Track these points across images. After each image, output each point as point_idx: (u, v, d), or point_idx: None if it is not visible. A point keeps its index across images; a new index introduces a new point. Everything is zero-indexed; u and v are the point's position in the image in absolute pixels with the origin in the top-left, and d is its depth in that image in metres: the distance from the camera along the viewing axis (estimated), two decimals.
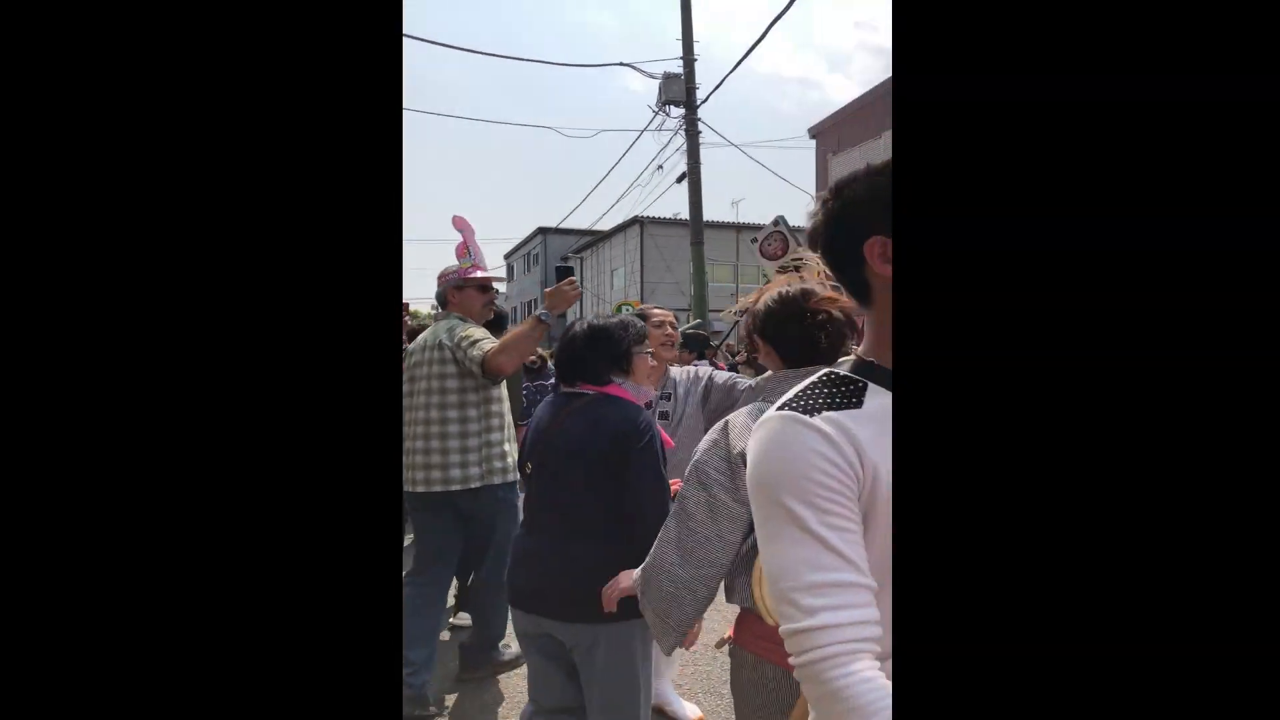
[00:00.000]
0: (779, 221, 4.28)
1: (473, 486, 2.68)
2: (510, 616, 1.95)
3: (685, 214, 13.00)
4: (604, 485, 1.74)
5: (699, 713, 2.74)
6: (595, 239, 25.42)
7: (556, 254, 27.48)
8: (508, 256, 36.41)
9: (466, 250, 2.91)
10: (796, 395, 0.84)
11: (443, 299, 2.89)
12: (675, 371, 2.69)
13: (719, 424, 1.44)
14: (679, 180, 12.34)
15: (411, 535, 3.40)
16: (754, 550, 1.32)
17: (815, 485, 0.76)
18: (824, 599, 0.74)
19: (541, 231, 27.87)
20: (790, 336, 1.46)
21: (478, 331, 2.69)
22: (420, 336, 2.82)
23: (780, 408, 0.83)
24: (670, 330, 2.63)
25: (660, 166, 14.44)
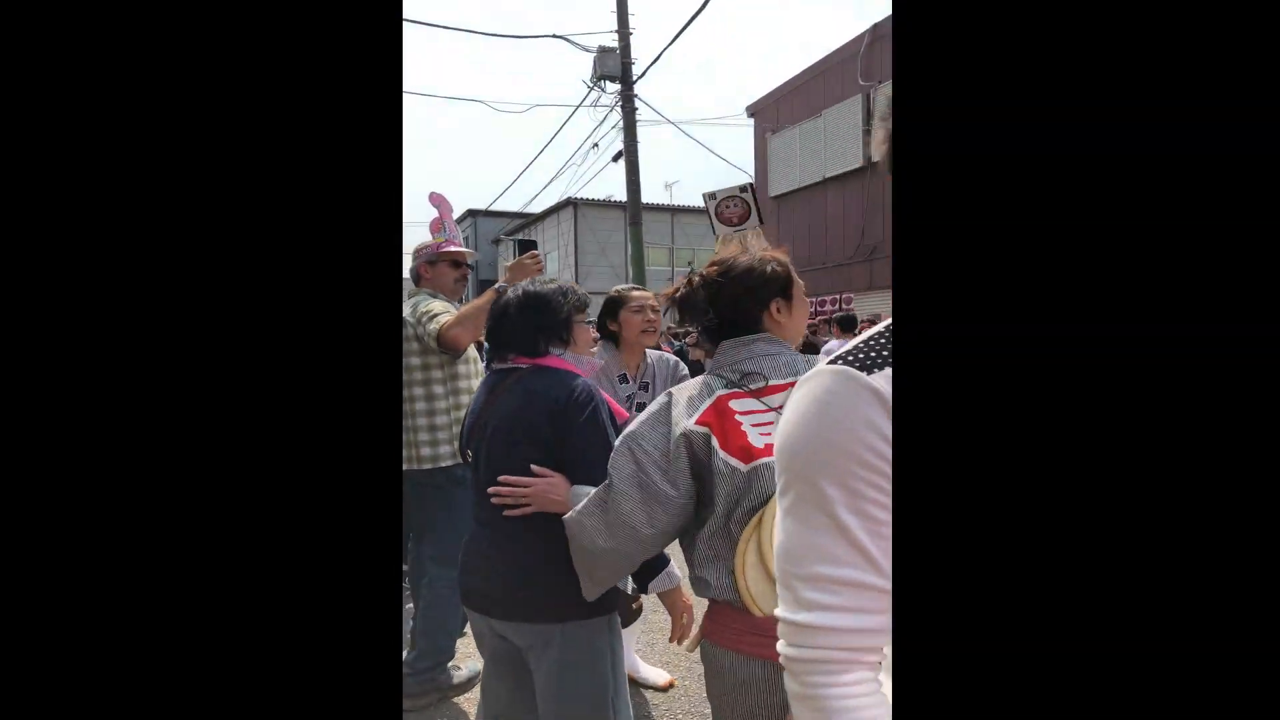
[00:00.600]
0: (747, 189, 3.98)
1: (443, 465, 2.64)
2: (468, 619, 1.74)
3: (619, 195, 12.77)
4: (543, 467, 1.55)
5: (668, 677, 2.67)
6: (527, 221, 24.96)
7: (487, 237, 26.89)
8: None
9: (442, 225, 2.92)
10: (857, 346, 0.72)
11: (415, 275, 2.85)
12: (652, 356, 2.53)
13: (662, 396, 1.35)
14: (615, 159, 12.04)
15: None
16: (729, 539, 1.23)
17: (854, 463, 0.66)
18: (828, 596, 0.67)
19: (471, 214, 27.21)
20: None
21: (436, 306, 2.63)
22: None
23: (834, 360, 0.71)
24: (652, 315, 2.49)
25: (595, 145, 14.12)
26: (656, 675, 2.71)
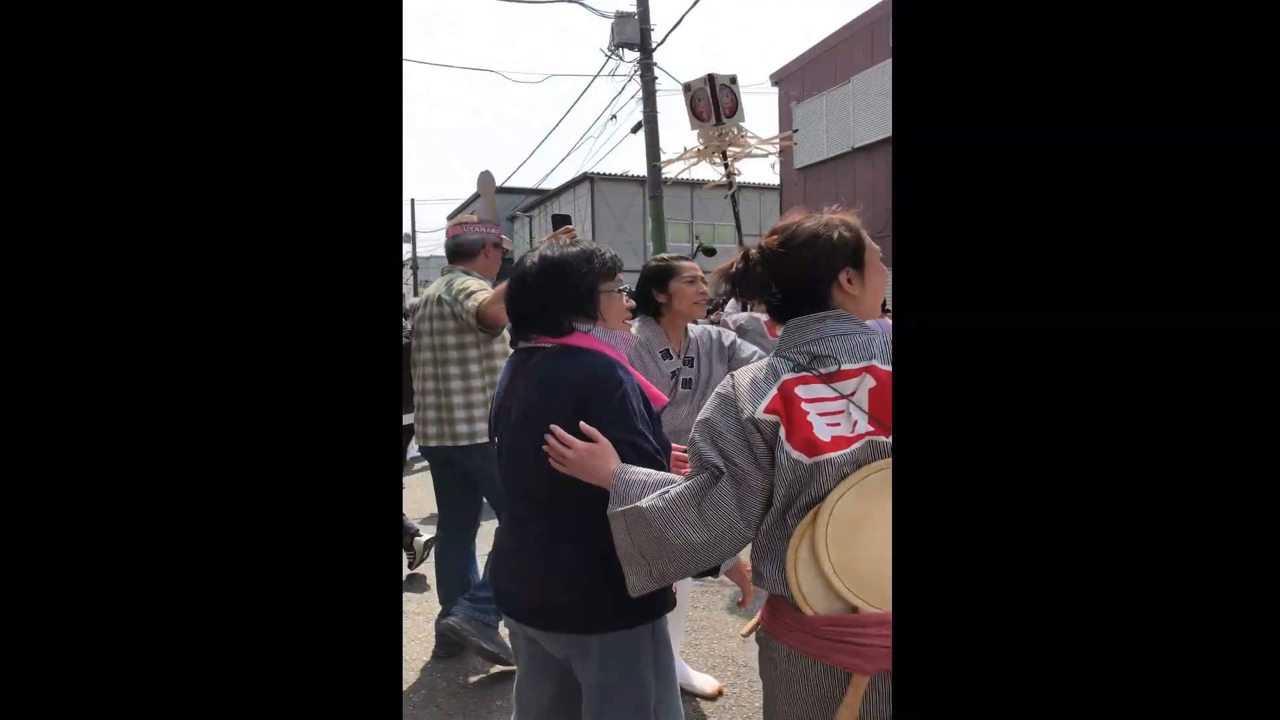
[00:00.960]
0: (734, 80, 3.69)
1: (479, 443, 2.68)
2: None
3: (636, 170, 12.53)
4: (567, 474, 1.39)
5: (716, 684, 2.60)
6: (543, 198, 24.78)
7: (502, 214, 26.75)
8: (451, 218, 35.49)
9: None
10: None
11: (473, 249, 2.84)
12: (695, 331, 2.36)
13: (726, 380, 1.28)
14: (634, 130, 11.77)
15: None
16: (784, 534, 1.17)
17: None
18: None
19: None
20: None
21: (473, 283, 2.68)
22: (425, 291, 2.86)
23: None
24: (704, 287, 2.36)
25: (614, 116, 13.85)
26: (704, 683, 2.58)
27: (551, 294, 1.45)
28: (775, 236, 1.30)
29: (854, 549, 1.13)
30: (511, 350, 1.58)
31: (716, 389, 1.27)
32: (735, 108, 3.78)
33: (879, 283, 1.31)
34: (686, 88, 3.77)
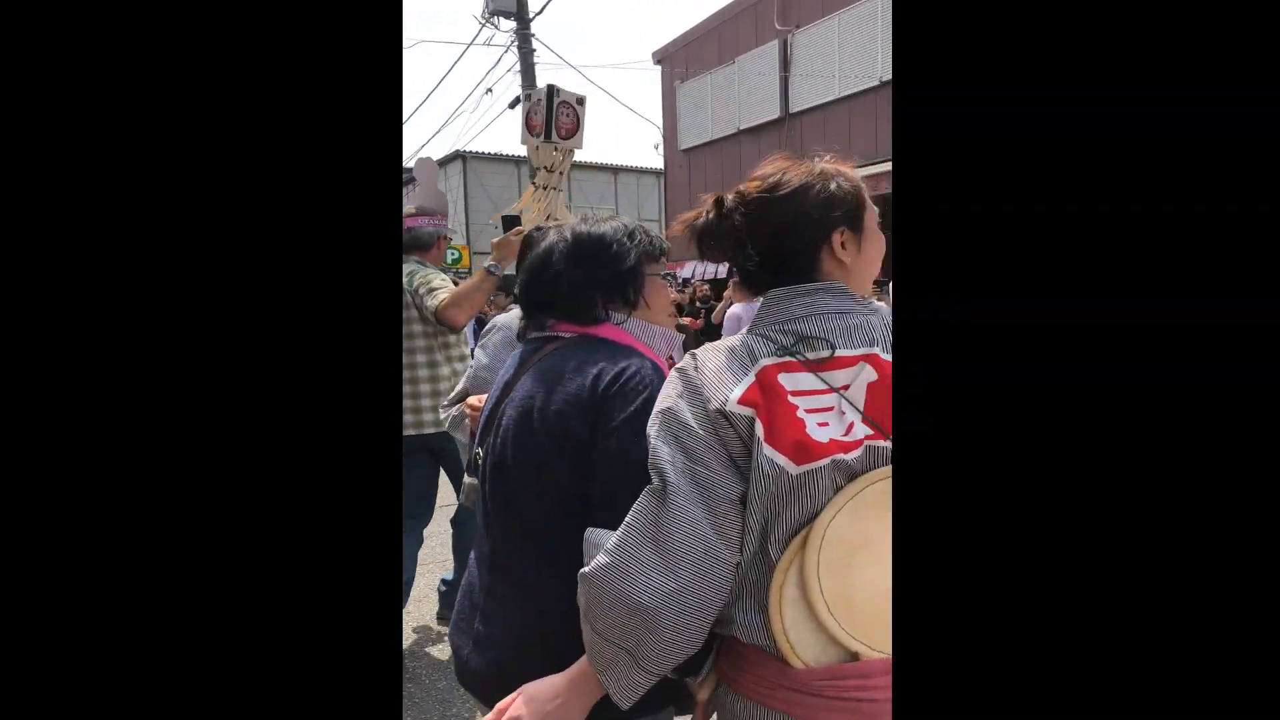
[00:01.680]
0: (555, 91, 3.44)
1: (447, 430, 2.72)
2: None
3: (510, 150, 12.19)
4: (573, 495, 1.10)
5: None
6: (411, 175, 23.86)
7: None
8: None
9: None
10: None
11: (429, 241, 2.94)
12: None
13: (685, 359, 1.06)
14: (512, 105, 11.41)
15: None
16: (765, 568, 0.97)
17: None
18: None
19: None
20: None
21: (436, 279, 2.76)
22: None
23: None
24: None
25: (489, 90, 13.39)
26: None
27: (586, 273, 1.21)
28: (756, 182, 1.09)
29: (850, 580, 0.93)
30: (519, 342, 1.31)
31: (675, 367, 1.05)
32: (575, 130, 3.50)
33: (875, 252, 1.10)
34: (527, 97, 3.50)
